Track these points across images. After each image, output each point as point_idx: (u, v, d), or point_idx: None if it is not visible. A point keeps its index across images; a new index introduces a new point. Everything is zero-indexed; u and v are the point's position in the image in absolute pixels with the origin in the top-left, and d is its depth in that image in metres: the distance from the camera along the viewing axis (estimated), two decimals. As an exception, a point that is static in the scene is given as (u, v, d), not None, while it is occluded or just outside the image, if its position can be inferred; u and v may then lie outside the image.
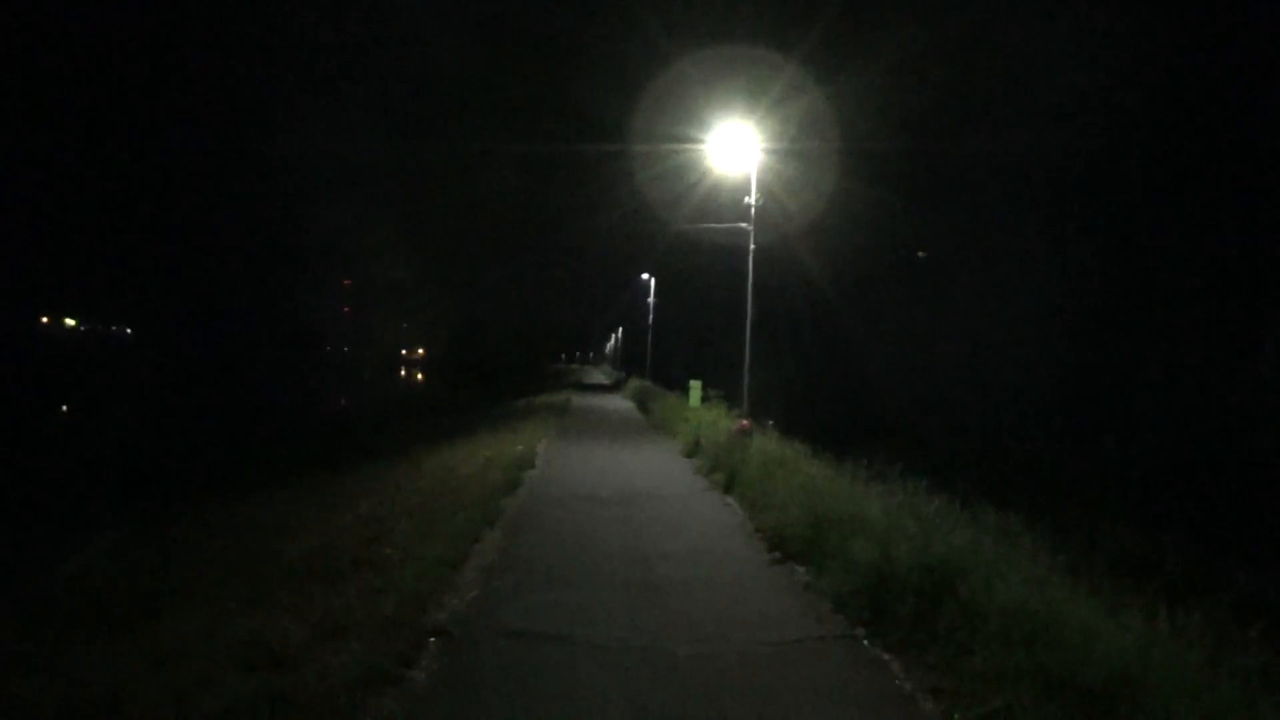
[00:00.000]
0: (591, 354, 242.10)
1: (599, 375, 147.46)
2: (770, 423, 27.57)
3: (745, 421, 25.96)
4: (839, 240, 52.40)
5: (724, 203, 32.33)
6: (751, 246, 27.39)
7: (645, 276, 78.44)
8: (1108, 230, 42.42)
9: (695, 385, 40.51)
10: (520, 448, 26.05)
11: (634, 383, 75.27)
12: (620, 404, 60.50)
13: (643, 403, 52.83)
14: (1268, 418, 33.12)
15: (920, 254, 54.36)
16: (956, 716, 7.63)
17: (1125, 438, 37.37)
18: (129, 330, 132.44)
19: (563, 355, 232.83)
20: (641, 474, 23.54)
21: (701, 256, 62.45)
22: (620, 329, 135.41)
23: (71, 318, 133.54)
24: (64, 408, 62.79)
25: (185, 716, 6.82)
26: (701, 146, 28.57)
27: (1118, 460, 35.96)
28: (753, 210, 27.49)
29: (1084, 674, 7.17)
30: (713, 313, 64.98)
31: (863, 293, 54.00)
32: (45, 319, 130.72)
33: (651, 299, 76.45)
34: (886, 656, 9.16)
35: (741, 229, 28.10)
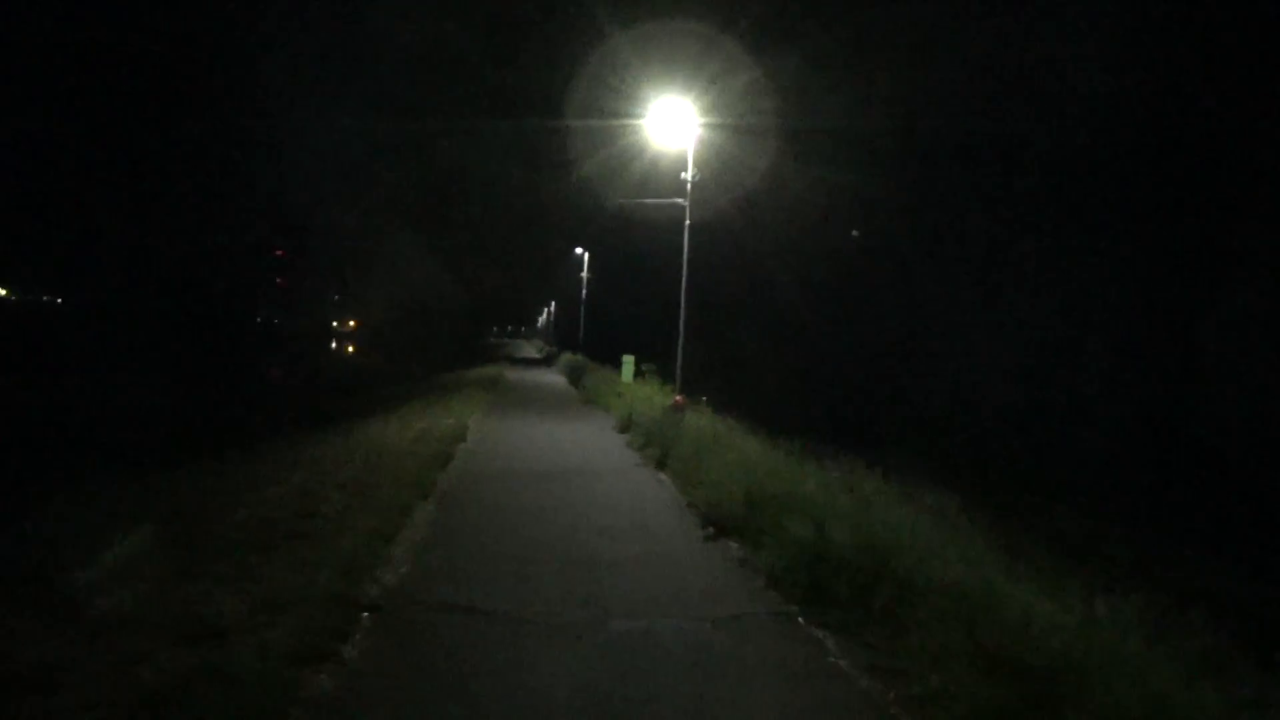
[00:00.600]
0: (524, 328, 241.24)
1: (531, 350, 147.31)
2: (704, 399, 27.62)
3: (679, 398, 26.02)
4: (778, 216, 52.46)
5: (662, 178, 32.35)
6: (687, 222, 27.42)
7: (580, 251, 78.41)
8: (1055, 212, 42.75)
9: (628, 361, 40.58)
10: (452, 421, 25.93)
11: (566, 357, 75.21)
12: (552, 378, 60.41)
13: (575, 378, 52.75)
14: (1209, 402, 33.54)
15: (854, 233, 54.52)
16: (893, 695, 7.62)
17: (1072, 422, 37.76)
18: (59, 300, 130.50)
19: (494, 329, 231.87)
20: (574, 449, 23.51)
21: (639, 232, 62.32)
22: (553, 303, 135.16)
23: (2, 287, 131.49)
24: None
25: (122, 691, 6.74)
26: (639, 122, 28.58)
27: (1064, 444, 36.34)
28: (689, 186, 27.52)
29: (1023, 654, 7.14)
30: (648, 288, 64.94)
31: (801, 270, 54.08)
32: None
33: (585, 274, 76.42)
34: (822, 634, 9.12)
35: (678, 204, 28.13)
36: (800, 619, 9.63)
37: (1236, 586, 14.04)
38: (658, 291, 56.25)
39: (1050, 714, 6.53)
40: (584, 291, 77.11)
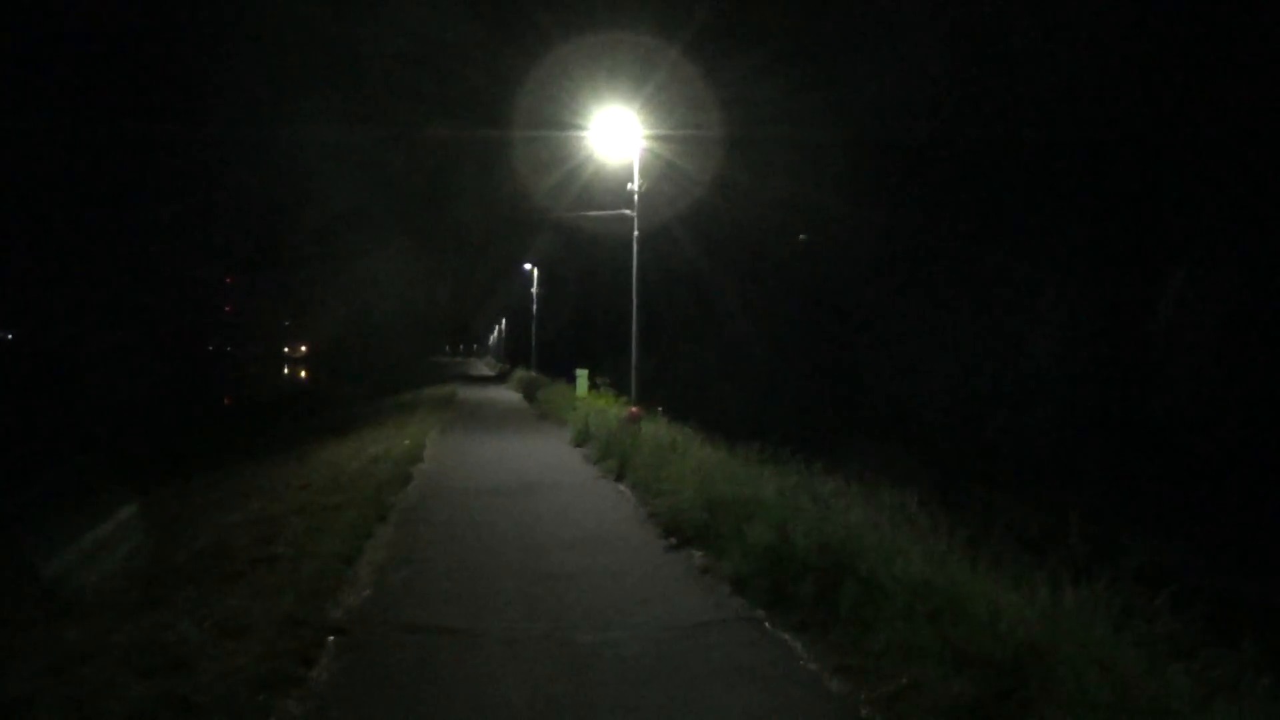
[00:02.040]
0: (475, 345, 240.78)
1: (483, 367, 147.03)
2: (660, 409, 27.64)
3: (634, 409, 26.03)
4: (725, 227, 52.63)
5: (607, 190, 32.40)
6: (635, 233, 27.48)
7: (528, 266, 78.38)
8: (1000, 208, 43.06)
9: (582, 374, 40.56)
10: (408, 442, 25.85)
11: (519, 373, 75.15)
12: (506, 395, 60.36)
13: (529, 393, 52.73)
14: (1160, 385, 33.80)
15: (801, 237, 54.73)
16: (863, 694, 7.63)
17: (1017, 410, 37.97)
18: (9, 337, 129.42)
19: (446, 347, 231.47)
20: (532, 464, 23.45)
21: (585, 245, 62.35)
22: (504, 320, 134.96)
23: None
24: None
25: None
26: (584, 133, 28.62)
27: (1016, 438, 36.54)
28: (636, 197, 27.58)
29: (991, 647, 7.17)
30: (599, 301, 64.99)
31: (751, 279, 54.26)
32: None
33: (535, 289, 76.39)
34: (789, 637, 9.13)
35: (625, 215, 28.19)
36: (766, 623, 9.63)
37: (1199, 569, 14.20)
38: (609, 304, 56.31)
39: (1020, 706, 6.54)
40: (535, 306, 77.05)
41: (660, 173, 30.53)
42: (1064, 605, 7.71)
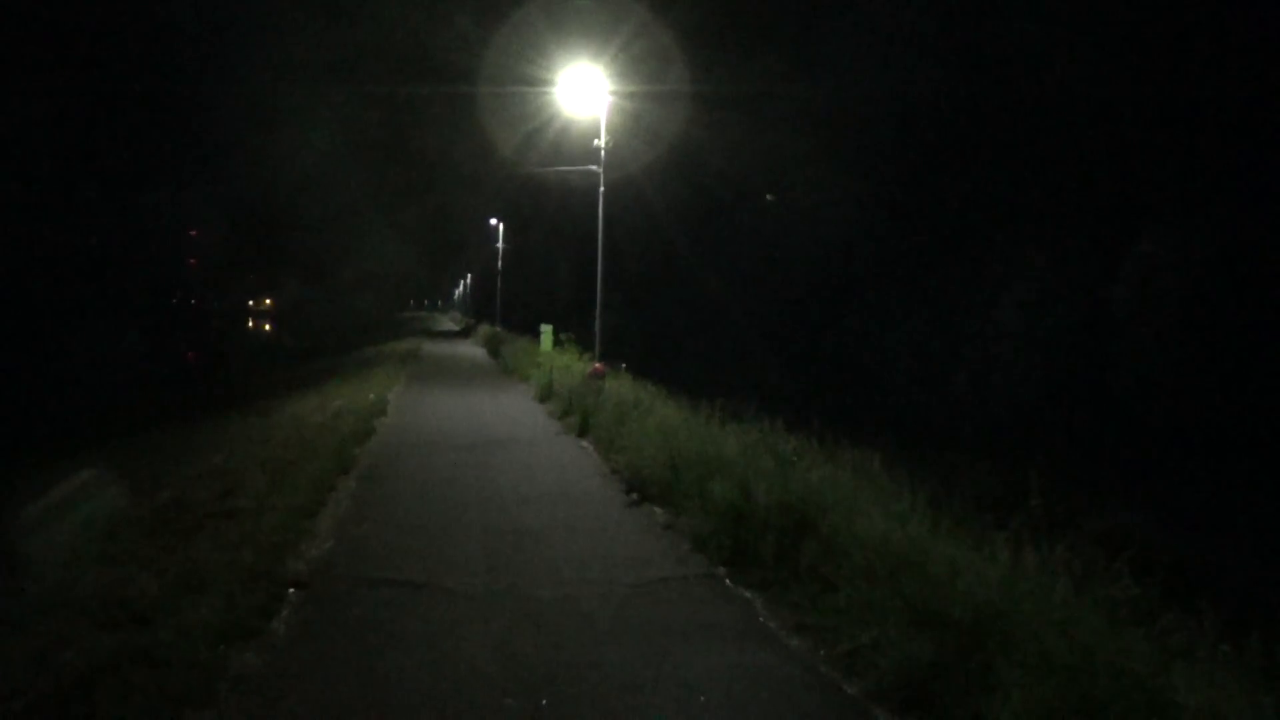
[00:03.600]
0: (440, 301, 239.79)
1: (448, 322, 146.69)
2: (624, 366, 27.61)
3: (598, 365, 26.02)
4: (691, 185, 52.49)
5: (575, 146, 32.31)
6: (601, 189, 27.40)
7: (494, 221, 78.10)
8: (964, 171, 43.02)
9: (546, 330, 40.47)
10: (372, 396, 25.82)
11: (484, 329, 75.00)
12: (471, 350, 60.28)
13: (494, 349, 52.62)
14: (1124, 347, 33.95)
15: (768, 197, 54.61)
16: (822, 652, 7.66)
17: (978, 375, 38.14)
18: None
19: (411, 302, 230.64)
20: (495, 420, 23.48)
21: (553, 200, 62.13)
22: (469, 275, 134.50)
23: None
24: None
25: (49, 677, 6.69)
26: (551, 89, 28.52)
27: (970, 398, 36.72)
28: (602, 153, 27.49)
29: (950, 607, 7.17)
30: (565, 256, 64.78)
31: (718, 237, 54.07)
32: None
33: (500, 244, 76.17)
34: (749, 594, 9.20)
35: (592, 171, 28.13)
36: (727, 580, 9.67)
37: (1159, 535, 14.31)
38: (574, 260, 56.17)
39: (979, 665, 6.55)
40: (499, 263, 76.84)
41: (628, 129, 30.50)
42: (1024, 566, 7.69)
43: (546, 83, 28.69)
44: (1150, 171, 35.44)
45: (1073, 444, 27.78)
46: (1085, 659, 6.22)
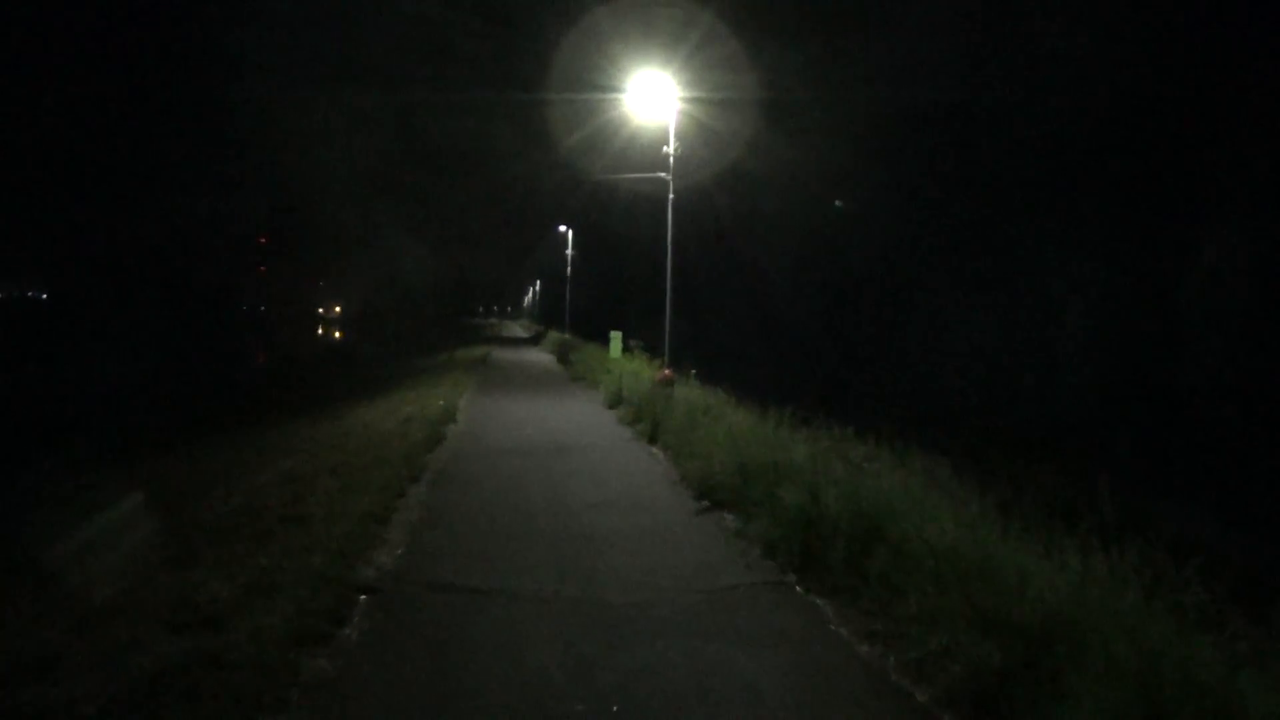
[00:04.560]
0: (510, 307, 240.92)
1: (517, 329, 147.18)
2: (693, 372, 27.54)
3: (667, 371, 25.96)
4: (760, 191, 52.38)
5: (643, 152, 32.25)
6: (670, 196, 27.34)
7: (563, 229, 78.24)
8: (1032, 179, 42.72)
9: (616, 336, 40.47)
10: (441, 403, 25.89)
11: (553, 335, 75.25)
12: (540, 357, 60.37)
13: (563, 355, 52.75)
14: (1192, 349, 33.52)
15: (837, 204, 54.40)
16: (892, 660, 7.64)
17: (1045, 376, 37.78)
18: (44, 296, 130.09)
19: (480, 309, 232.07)
20: (564, 426, 23.46)
21: (621, 207, 62.24)
22: (539, 282, 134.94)
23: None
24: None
25: (116, 679, 6.71)
26: (620, 96, 28.46)
27: (1038, 404, 36.35)
28: (671, 159, 27.43)
29: (1020, 614, 7.14)
30: (633, 263, 64.87)
31: (784, 243, 53.97)
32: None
33: (569, 250, 76.28)
34: (820, 601, 9.18)
35: (661, 178, 28.05)
36: (797, 587, 9.67)
37: (1227, 540, 14.07)
38: (643, 266, 56.19)
39: (1048, 672, 6.54)
40: (569, 269, 76.96)
41: (695, 135, 30.36)
42: (1093, 573, 7.63)
43: (616, 89, 28.64)
44: (1219, 172, 34.99)
45: (1140, 447, 27.43)
46: (1153, 666, 6.21)
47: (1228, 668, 6.12)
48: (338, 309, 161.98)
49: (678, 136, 27.55)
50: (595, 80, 34.78)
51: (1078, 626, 6.83)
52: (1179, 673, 6.07)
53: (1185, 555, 7.71)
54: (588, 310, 75.37)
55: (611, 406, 26.89)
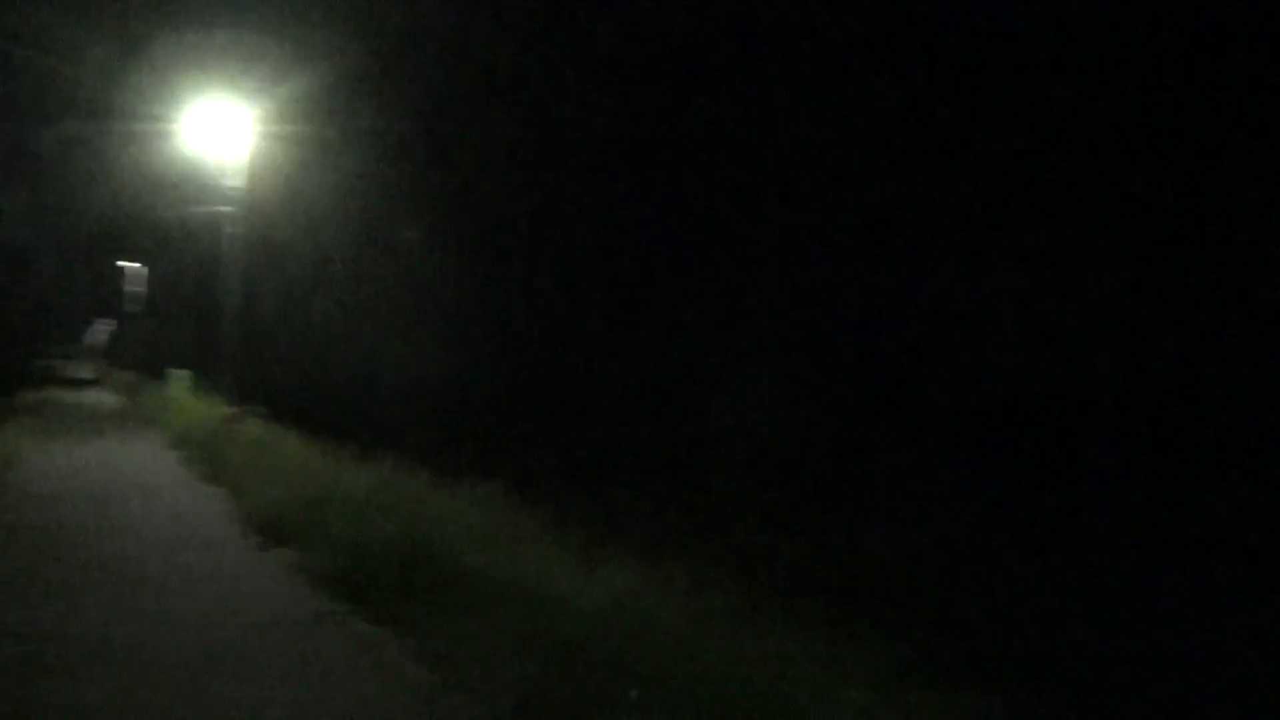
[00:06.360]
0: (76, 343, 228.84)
1: (84, 371, 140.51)
2: (262, 410, 27.19)
3: (233, 409, 25.68)
4: (328, 221, 51.83)
5: (207, 185, 31.52)
6: (228, 230, 26.89)
7: (121, 264, 75.80)
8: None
9: (177, 375, 39.76)
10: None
11: (121, 375, 72.59)
12: (108, 398, 58.19)
13: (131, 396, 51.07)
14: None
15: (410, 233, 54.30)
16: (440, 679, 7.72)
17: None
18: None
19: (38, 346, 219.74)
20: (123, 469, 22.71)
21: (183, 241, 60.44)
22: (97, 320, 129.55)
23: None
24: None
25: None
26: (179, 127, 27.80)
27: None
28: (233, 194, 27.02)
29: (562, 627, 7.48)
30: (200, 301, 63.08)
31: (355, 274, 53.40)
32: None
33: (127, 288, 73.99)
34: (373, 629, 9.25)
35: (223, 213, 27.57)
36: (350, 616, 9.71)
37: (778, 541, 14.80)
38: (207, 304, 54.73)
39: (592, 679, 6.77)
40: (124, 305, 74.77)
41: (264, 168, 29.98)
42: (638, 586, 8.03)
43: (174, 120, 27.91)
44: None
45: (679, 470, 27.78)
46: (691, 667, 6.58)
47: (760, 662, 6.59)
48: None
49: (254, 163, 27.18)
50: (157, 111, 33.70)
51: (621, 633, 7.20)
52: (717, 670, 6.49)
53: (733, 559, 8.24)
54: (171, 344, 72.93)
55: (175, 447, 26.23)
